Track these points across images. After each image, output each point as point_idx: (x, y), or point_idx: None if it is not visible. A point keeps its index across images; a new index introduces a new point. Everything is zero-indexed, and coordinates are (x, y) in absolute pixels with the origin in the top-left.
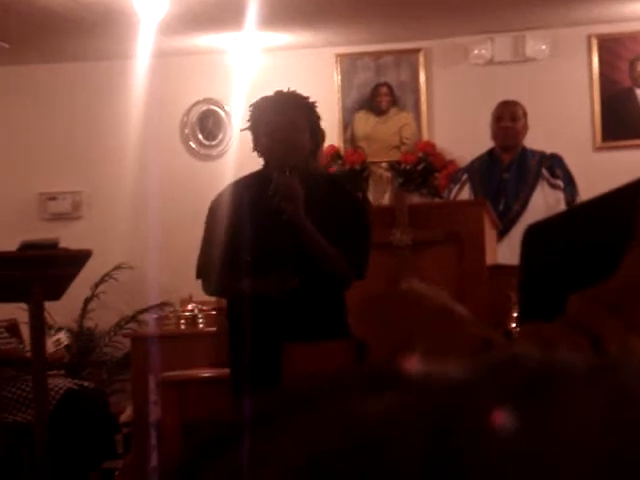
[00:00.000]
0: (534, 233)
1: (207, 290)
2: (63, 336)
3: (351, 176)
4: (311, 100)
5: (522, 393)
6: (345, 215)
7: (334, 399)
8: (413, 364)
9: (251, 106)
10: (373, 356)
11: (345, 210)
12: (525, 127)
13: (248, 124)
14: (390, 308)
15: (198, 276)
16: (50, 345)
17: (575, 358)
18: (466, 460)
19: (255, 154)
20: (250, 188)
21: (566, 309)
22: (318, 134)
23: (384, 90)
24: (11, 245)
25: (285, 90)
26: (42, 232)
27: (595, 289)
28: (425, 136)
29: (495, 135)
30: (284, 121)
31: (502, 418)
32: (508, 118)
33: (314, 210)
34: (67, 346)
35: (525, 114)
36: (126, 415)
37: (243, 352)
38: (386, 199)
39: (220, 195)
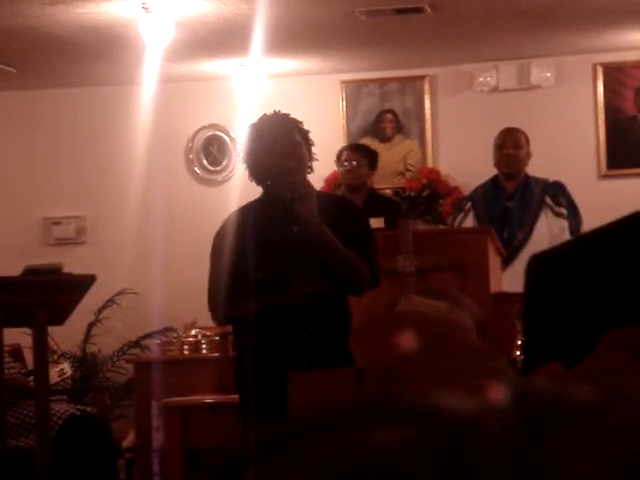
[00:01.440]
0: (538, 262)
1: (218, 319)
2: (67, 366)
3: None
4: (298, 119)
5: (533, 427)
6: (351, 226)
7: (342, 431)
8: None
9: (247, 134)
10: (368, 382)
11: (350, 221)
12: (528, 154)
13: (243, 155)
14: (387, 333)
15: (210, 308)
16: (54, 375)
17: (586, 391)
18: None
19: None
20: (254, 211)
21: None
22: (311, 148)
23: (389, 117)
24: (15, 270)
25: (270, 113)
26: (46, 257)
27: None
28: (430, 163)
29: (498, 162)
30: (284, 140)
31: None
32: (510, 145)
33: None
34: (71, 376)
35: (528, 141)
36: (129, 441)
37: (251, 378)
38: None
39: (223, 225)
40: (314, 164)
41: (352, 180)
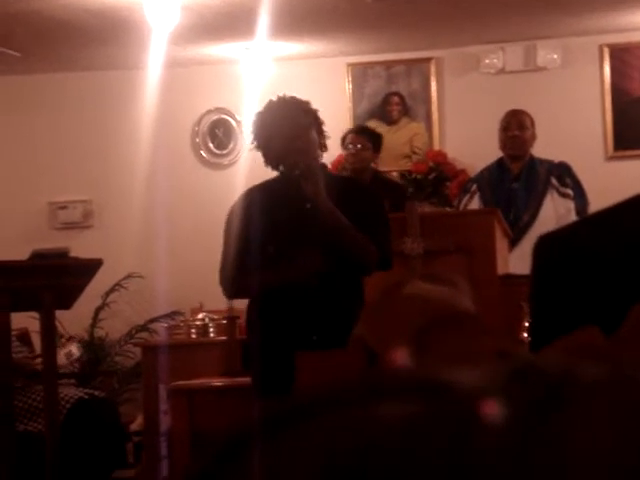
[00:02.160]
0: (546, 243)
1: (229, 292)
2: (75, 348)
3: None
4: (305, 100)
5: (541, 403)
6: (364, 207)
7: (349, 407)
8: (403, 358)
9: (252, 124)
10: (381, 362)
11: (365, 203)
12: (533, 136)
13: (254, 144)
14: (394, 311)
15: (220, 281)
16: (62, 357)
17: (597, 368)
18: (486, 467)
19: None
20: (268, 190)
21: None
22: (322, 130)
23: (395, 99)
24: (22, 254)
25: (280, 95)
26: (52, 241)
27: None
28: (436, 145)
29: (503, 144)
30: (289, 124)
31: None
32: (516, 127)
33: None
34: (78, 358)
35: (533, 123)
36: (137, 424)
37: (259, 356)
38: None
39: (238, 201)
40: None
41: (357, 163)
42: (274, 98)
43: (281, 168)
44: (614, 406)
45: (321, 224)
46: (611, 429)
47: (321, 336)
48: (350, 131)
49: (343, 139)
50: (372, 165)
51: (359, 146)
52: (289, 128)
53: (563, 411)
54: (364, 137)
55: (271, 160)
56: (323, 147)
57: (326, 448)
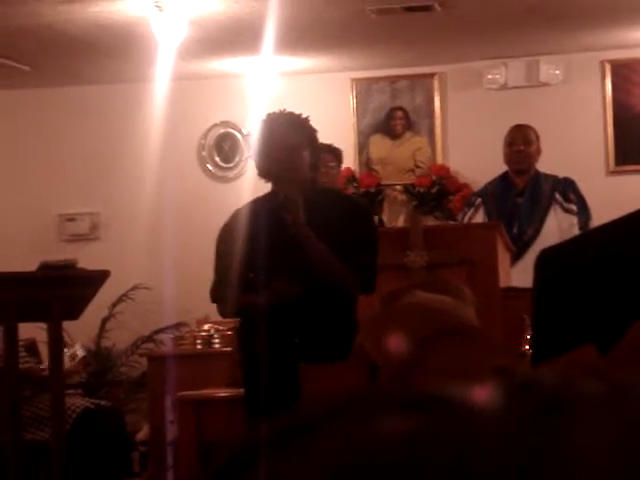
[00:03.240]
0: (547, 257)
1: (223, 312)
2: (78, 348)
3: (366, 199)
4: (304, 116)
5: (539, 416)
6: (352, 225)
7: (357, 418)
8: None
9: (256, 138)
10: (382, 376)
11: (354, 222)
12: (538, 151)
13: (251, 153)
14: (393, 321)
15: (213, 300)
16: (66, 360)
17: (592, 383)
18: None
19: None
20: (258, 209)
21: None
22: (316, 149)
23: (399, 114)
24: (30, 265)
25: (276, 111)
26: (60, 253)
27: None
28: (439, 160)
29: (508, 159)
30: (279, 141)
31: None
32: (521, 142)
33: (318, 222)
34: (84, 357)
35: (538, 138)
36: (143, 434)
37: (257, 372)
38: (400, 221)
39: (229, 219)
40: None
41: (328, 183)
42: (271, 111)
43: (269, 182)
44: (611, 420)
45: (300, 250)
46: (608, 442)
47: (304, 359)
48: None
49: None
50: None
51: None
52: (277, 147)
53: (561, 424)
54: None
55: (260, 175)
56: (314, 167)
57: (331, 460)
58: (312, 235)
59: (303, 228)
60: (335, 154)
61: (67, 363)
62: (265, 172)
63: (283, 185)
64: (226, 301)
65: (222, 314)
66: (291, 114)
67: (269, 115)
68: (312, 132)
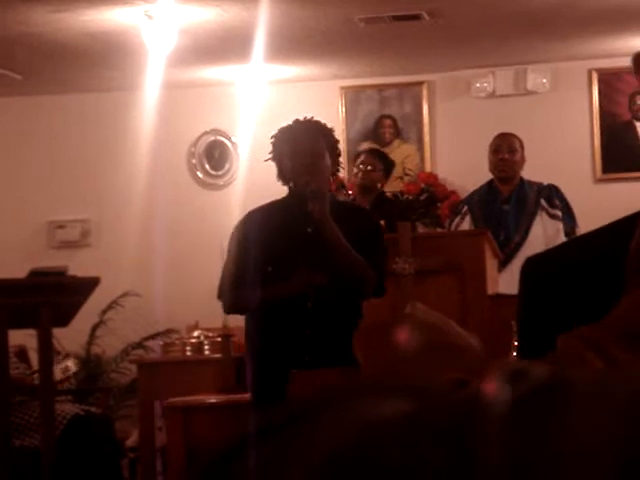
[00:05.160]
0: (533, 265)
1: (226, 307)
2: (71, 363)
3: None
4: (329, 126)
5: (529, 403)
6: (366, 235)
7: (350, 404)
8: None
9: (272, 137)
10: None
11: (365, 230)
12: (522, 159)
13: (270, 155)
14: (388, 333)
15: (219, 296)
16: (58, 372)
17: (581, 373)
18: (480, 460)
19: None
20: (267, 213)
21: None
22: (337, 157)
23: (388, 122)
24: (20, 272)
25: (302, 118)
26: (51, 260)
27: (584, 330)
28: (427, 167)
29: (493, 167)
30: (306, 146)
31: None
32: (505, 150)
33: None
34: (75, 373)
35: (522, 146)
36: (132, 440)
37: (256, 373)
38: None
39: (239, 222)
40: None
41: (364, 180)
42: (300, 118)
43: (291, 184)
44: (600, 406)
45: (323, 246)
46: (597, 427)
47: (314, 356)
48: (364, 151)
49: (357, 157)
50: (379, 186)
51: (369, 167)
52: (305, 152)
53: (552, 408)
54: (376, 159)
55: (283, 176)
56: (334, 174)
57: (324, 446)
58: (336, 227)
59: (329, 219)
60: (385, 162)
61: (59, 376)
62: (289, 173)
63: (311, 178)
64: (240, 296)
65: (232, 309)
66: (319, 122)
67: (294, 122)
68: (335, 143)
